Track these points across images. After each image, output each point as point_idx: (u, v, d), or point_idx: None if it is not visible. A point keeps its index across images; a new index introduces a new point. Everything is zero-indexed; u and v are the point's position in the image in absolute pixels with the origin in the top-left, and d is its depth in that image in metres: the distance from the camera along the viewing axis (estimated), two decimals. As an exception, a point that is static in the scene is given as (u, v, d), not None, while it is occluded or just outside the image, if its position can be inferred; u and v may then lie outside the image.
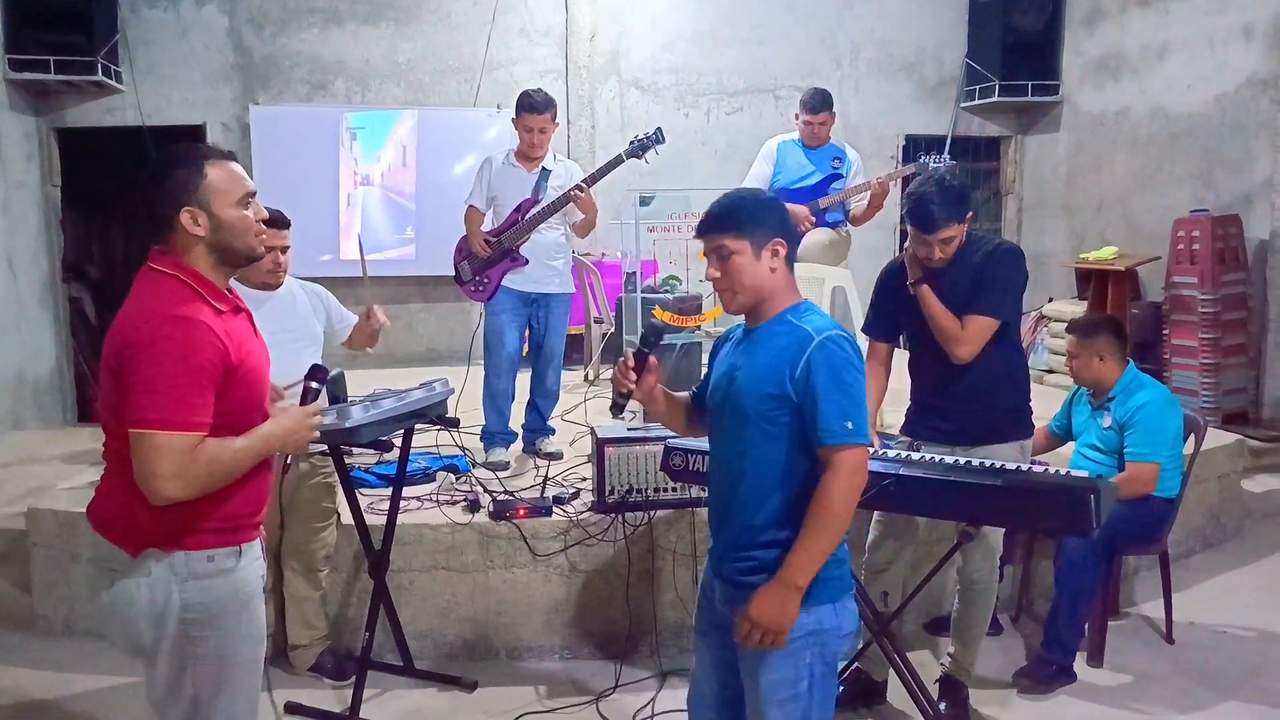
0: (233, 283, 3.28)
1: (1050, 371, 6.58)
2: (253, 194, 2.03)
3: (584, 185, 4.18)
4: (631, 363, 2.23)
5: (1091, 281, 6.67)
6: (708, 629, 2.23)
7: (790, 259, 2.12)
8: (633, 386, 2.24)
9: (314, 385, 2.19)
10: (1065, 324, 6.24)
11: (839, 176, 4.81)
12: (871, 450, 2.85)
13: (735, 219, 2.08)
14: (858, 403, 2.00)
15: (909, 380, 3.28)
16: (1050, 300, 7.04)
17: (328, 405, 3.04)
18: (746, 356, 2.11)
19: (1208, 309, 5.75)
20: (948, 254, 2.98)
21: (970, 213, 3.00)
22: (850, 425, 1.97)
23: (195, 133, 7.03)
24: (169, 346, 1.84)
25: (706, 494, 2.33)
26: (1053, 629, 3.45)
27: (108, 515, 1.99)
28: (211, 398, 1.89)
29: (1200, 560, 4.52)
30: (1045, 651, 3.45)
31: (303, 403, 2.13)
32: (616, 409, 2.33)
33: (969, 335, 2.97)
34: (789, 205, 4.63)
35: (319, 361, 2.31)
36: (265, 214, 2.10)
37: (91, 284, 7.78)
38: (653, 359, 2.26)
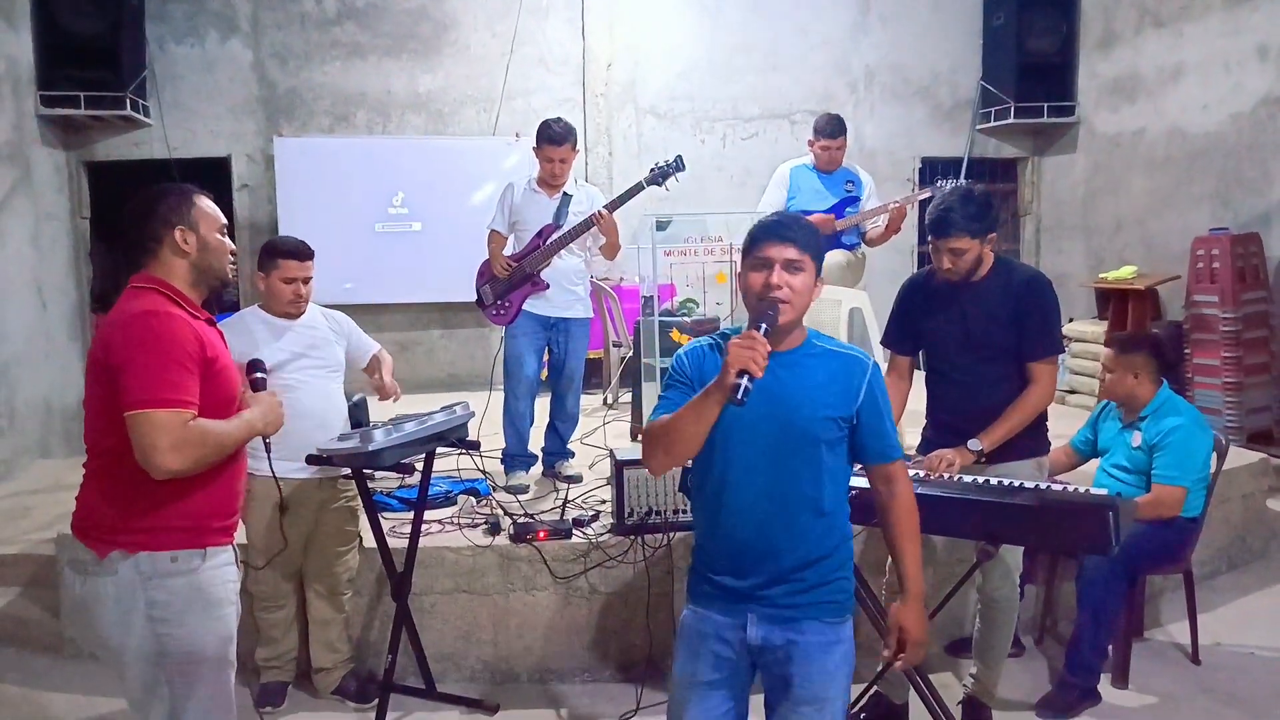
0: (256, 310, 3.40)
1: (1071, 392, 6.55)
2: (226, 227, 2.30)
3: (604, 211, 4.24)
4: (761, 335, 1.93)
5: (1111, 301, 6.65)
6: (717, 681, 2.13)
7: None
8: (761, 372, 1.89)
9: (259, 375, 2.43)
10: (1088, 343, 6.30)
11: (853, 200, 4.84)
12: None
13: (805, 237, 2.07)
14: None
15: (925, 400, 3.29)
16: (1070, 320, 7.01)
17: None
18: (789, 383, 2.07)
19: (1229, 328, 5.73)
20: (958, 267, 3.00)
21: (992, 234, 3.02)
22: (895, 441, 2.21)
23: (221, 165, 7.19)
24: (153, 336, 2.04)
25: (721, 527, 2.13)
26: (1075, 651, 3.42)
27: (79, 517, 2.15)
28: (195, 382, 2.07)
29: (1226, 581, 4.47)
30: (1068, 675, 3.42)
31: (254, 390, 2.37)
32: (746, 396, 1.87)
33: (1044, 384, 3.04)
34: (813, 216, 4.70)
35: (258, 357, 2.52)
36: (234, 246, 2.33)
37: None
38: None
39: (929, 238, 3.06)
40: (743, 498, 2.10)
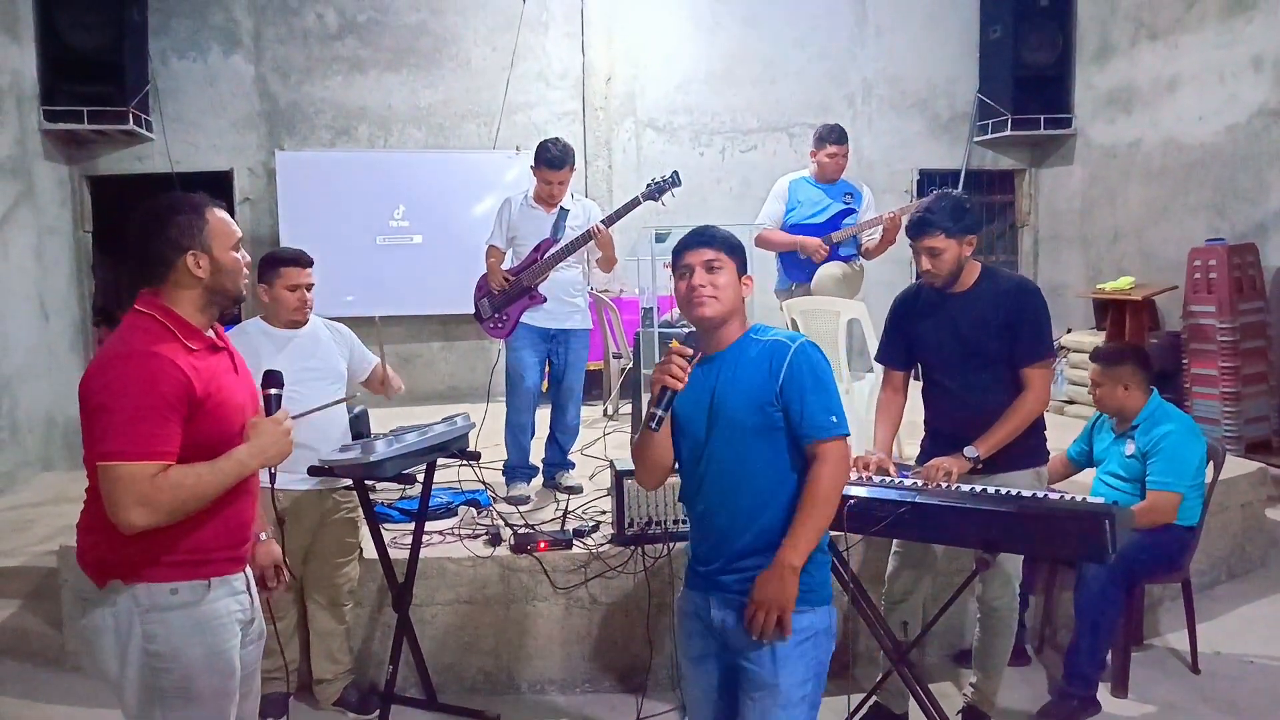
0: (259, 322, 3.42)
1: (1070, 402, 6.57)
2: (240, 239, 2.15)
3: (601, 226, 4.26)
4: (689, 351, 2.17)
5: (1109, 312, 6.68)
6: (703, 654, 2.27)
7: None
8: (685, 378, 2.14)
9: (273, 392, 2.20)
10: (1086, 354, 6.31)
11: (851, 211, 4.87)
12: (889, 480, 2.90)
13: (725, 240, 2.28)
14: (837, 399, 2.19)
15: (922, 411, 3.31)
16: (1069, 331, 7.04)
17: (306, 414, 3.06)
18: (723, 376, 2.22)
19: (1226, 338, 5.75)
20: (938, 268, 3.04)
21: (969, 236, 3.06)
22: (834, 419, 2.16)
23: (223, 178, 7.23)
24: (125, 382, 1.91)
25: (692, 513, 2.30)
26: (1074, 660, 3.42)
27: (81, 546, 2.06)
28: (175, 427, 1.93)
29: (1225, 590, 4.47)
30: (1067, 685, 3.42)
31: (267, 413, 2.16)
32: (662, 409, 2.16)
33: (1038, 389, 3.04)
34: (801, 238, 4.73)
35: (275, 370, 2.29)
36: (249, 258, 2.19)
37: (121, 328, 7.92)
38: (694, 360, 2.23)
39: (909, 242, 3.13)
40: (699, 486, 2.25)
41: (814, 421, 2.14)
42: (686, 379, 2.15)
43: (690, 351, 2.18)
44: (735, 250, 2.27)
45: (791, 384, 2.14)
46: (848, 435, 2.18)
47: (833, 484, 2.14)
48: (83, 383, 1.97)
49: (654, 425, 2.17)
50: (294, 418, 2.22)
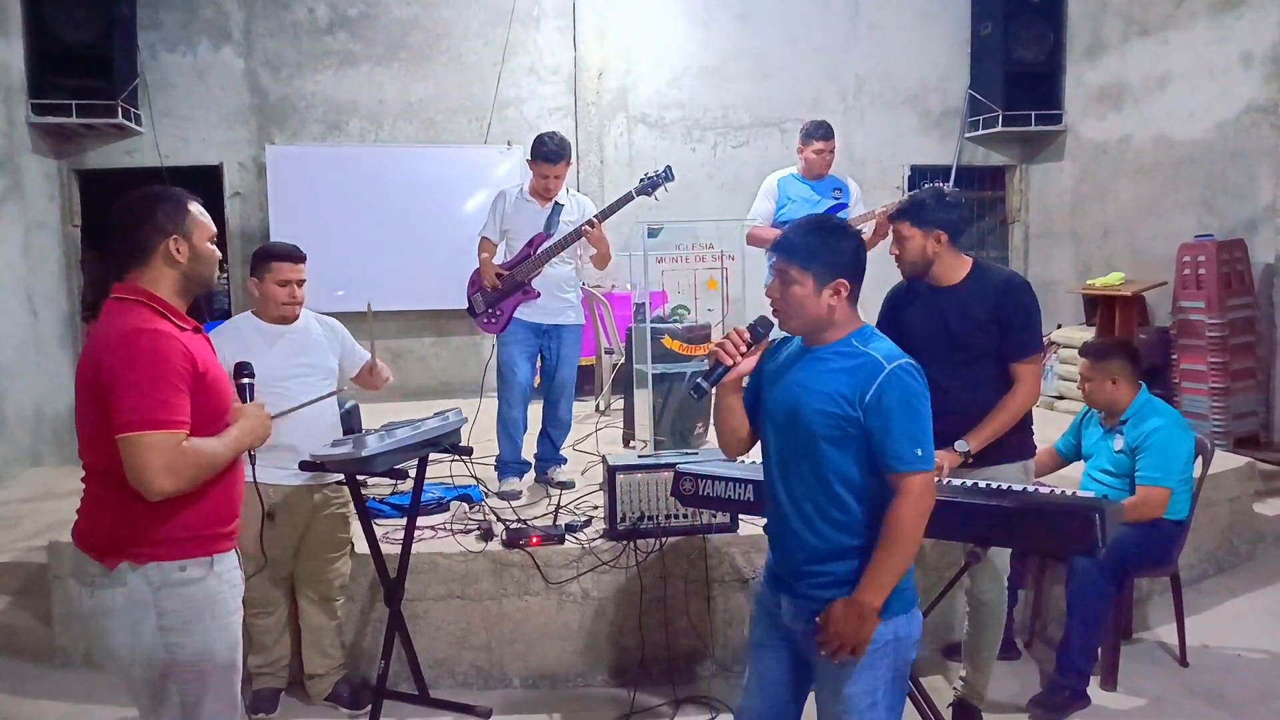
0: (249, 317, 3.41)
1: (1060, 398, 6.60)
2: (215, 234, 2.26)
3: (595, 221, 4.26)
4: (747, 335, 2.22)
5: (1099, 307, 6.70)
6: (768, 642, 2.27)
7: (854, 295, 2.18)
8: (739, 359, 2.20)
9: (245, 381, 2.37)
10: (1076, 349, 6.34)
11: (842, 206, 4.89)
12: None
13: (804, 251, 2.14)
14: (927, 430, 2.09)
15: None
16: (1059, 327, 7.07)
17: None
18: (809, 373, 2.15)
19: (1215, 333, 5.78)
20: (903, 254, 3.13)
21: (939, 232, 3.08)
22: (920, 452, 2.06)
23: (213, 173, 7.20)
24: (143, 356, 2.01)
25: (764, 509, 2.34)
26: (1065, 653, 3.45)
27: (85, 530, 2.13)
28: (186, 400, 2.06)
29: (1213, 584, 4.51)
30: (1058, 676, 3.45)
31: (241, 400, 2.31)
32: (708, 381, 2.21)
33: (1028, 384, 3.07)
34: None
35: (246, 360, 2.43)
36: (219, 254, 2.29)
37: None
38: (756, 348, 2.26)
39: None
40: (773, 483, 2.23)
41: (897, 453, 2.05)
42: (739, 359, 2.19)
43: (747, 335, 2.21)
44: (813, 260, 2.12)
45: (875, 409, 2.05)
46: (931, 469, 2.10)
47: (913, 521, 2.06)
48: (87, 362, 2.05)
49: (694, 393, 2.22)
50: (276, 416, 2.36)
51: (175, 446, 2.00)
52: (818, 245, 2.14)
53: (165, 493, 1.99)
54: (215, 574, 2.15)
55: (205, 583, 2.12)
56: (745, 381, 2.32)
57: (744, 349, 2.20)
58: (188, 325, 2.16)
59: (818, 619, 2.10)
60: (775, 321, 2.22)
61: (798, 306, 2.14)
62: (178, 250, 2.15)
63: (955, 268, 3.12)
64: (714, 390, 2.25)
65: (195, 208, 2.21)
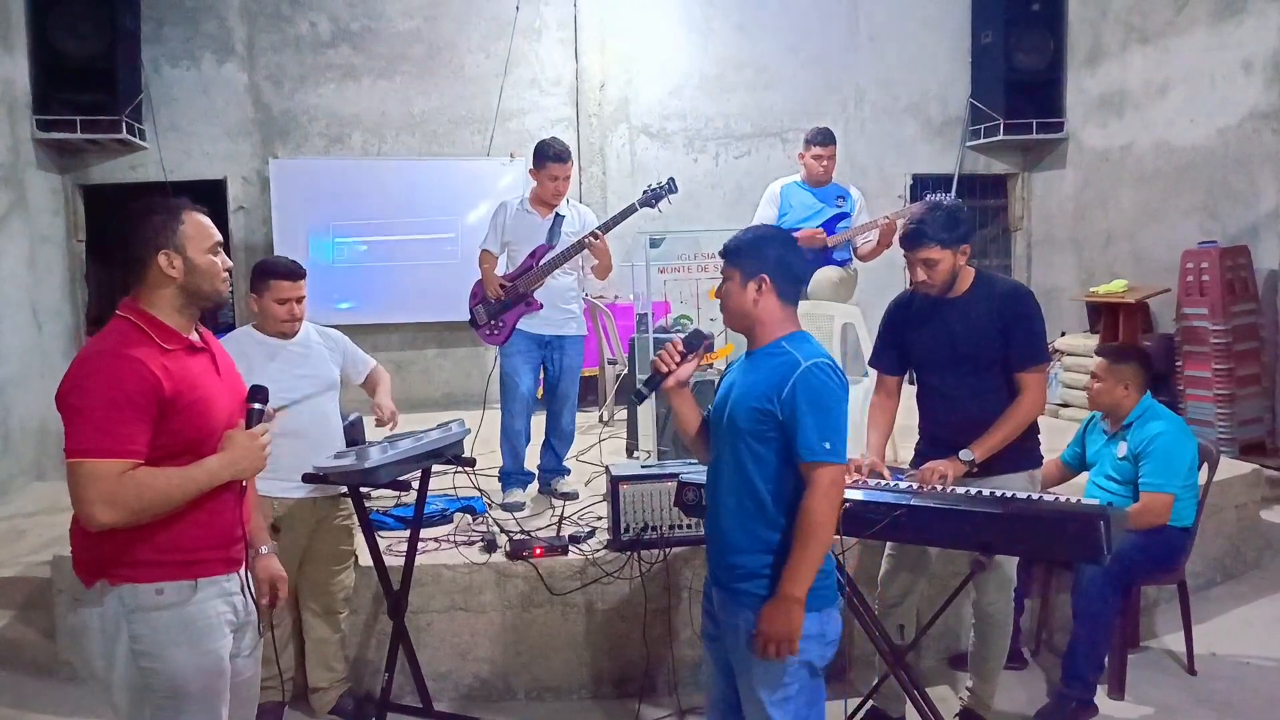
0: (250, 330, 3.41)
1: (1064, 406, 6.58)
2: (220, 243, 2.17)
3: (598, 233, 4.26)
4: (680, 347, 2.41)
5: (1103, 315, 6.69)
6: (715, 634, 2.39)
7: (784, 294, 2.31)
8: (675, 366, 2.39)
9: (256, 406, 2.18)
10: (1081, 357, 6.33)
11: (844, 215, 4.89)
12: (883, 483, 2.91)
13: (732, 250, 2.36)
14: (837, 426, 2.21)
15: (917, 416, 3.31)
16: (1063, 334, 7.05)
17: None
18: (743, 376, 2.32)
19: (1219, 340, 5.76)
20: (933, 279, 3.05)
21: (964, 245, 3.06)
22: (828, 445, 2.17)
23: (217, 187, 7.22)
24: (93, 382, 1.94)
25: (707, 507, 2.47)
26: (1071, 662, 3.42)
27: (74, 547, 2.08)
28: (143, 427, 1.95)
29: (1220, 591, 4.48)
30: (1065, 687, 3.42)
31: (247, 425, 2.15)
32: (647, 387, 2.46)
33: (1034, 393, 3.05)
34: (801, 231, 4.72)
35: (260, 383, 2.24)
36: (230, 263, 2.20)
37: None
38: (692, 357, 2.44)
39: (903, 252, 3.11)
40: (710, 480, 2.41)
41: (806, 444, 2.17)
42: (675, 367, 2.38)
43: (682, 346, 2.40)
44: (742, 258, 2.33)
45: (790, 402, 2.18)
46: (843, 464, 2.21)
47: (823, 512, 2.16)
48: (59, 386, 2.00)
49: (635, 397, 2.56)
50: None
51: (114, 477, 1.90)
52: (745, 244, 2.35)
53: (103, 524, 1.90)
54: (198, 600, 2.04)
55: (183, 608, 2.03)
56: (691, 385, 2.51)
57: (678, 358, 2.39)
58: (177, 345, 2.06)
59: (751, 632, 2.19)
60: (711, 335, 2.44)
61: (726, 301, 2.34)
62: (170, 265, 2.06)
63: (960, 278, 3.10)
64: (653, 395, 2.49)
65: (191, 217, 2.10)
